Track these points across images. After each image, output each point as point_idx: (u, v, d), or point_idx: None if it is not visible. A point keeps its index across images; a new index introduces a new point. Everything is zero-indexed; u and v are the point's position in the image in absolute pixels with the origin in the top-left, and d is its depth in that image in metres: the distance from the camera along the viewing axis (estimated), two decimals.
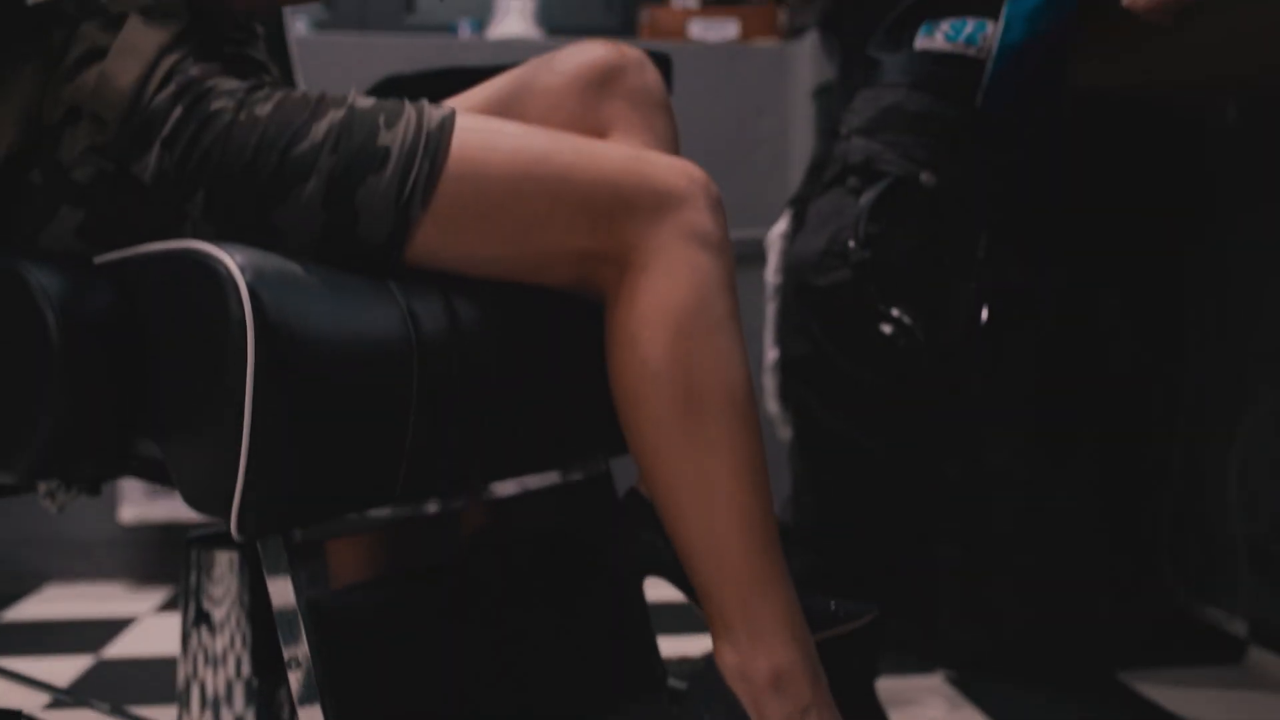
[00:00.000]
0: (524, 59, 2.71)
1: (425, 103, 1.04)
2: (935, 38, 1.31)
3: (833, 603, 1.06)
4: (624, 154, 1.06)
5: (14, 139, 0.97)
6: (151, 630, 2.14)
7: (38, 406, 0.89)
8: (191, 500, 0.90)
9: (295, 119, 0.97)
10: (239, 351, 0.85)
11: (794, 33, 2.67)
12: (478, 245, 1.01)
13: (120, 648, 2.03)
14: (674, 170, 1.05)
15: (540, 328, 1.08)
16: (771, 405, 1.79)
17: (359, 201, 0.97)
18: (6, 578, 2.47)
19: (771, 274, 1.76)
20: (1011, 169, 1.35)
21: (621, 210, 1.02)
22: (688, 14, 2.77)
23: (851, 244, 1.26)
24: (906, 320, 1.24)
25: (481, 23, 2.79)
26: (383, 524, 1.08)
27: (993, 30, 1.30)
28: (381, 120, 0.99)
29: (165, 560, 2.52)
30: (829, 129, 1.59)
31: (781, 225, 1.73)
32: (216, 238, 0.95)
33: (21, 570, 2.49)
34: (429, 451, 0.97)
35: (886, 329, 1.25)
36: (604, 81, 1.18)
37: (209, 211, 0.96)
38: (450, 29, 2.79)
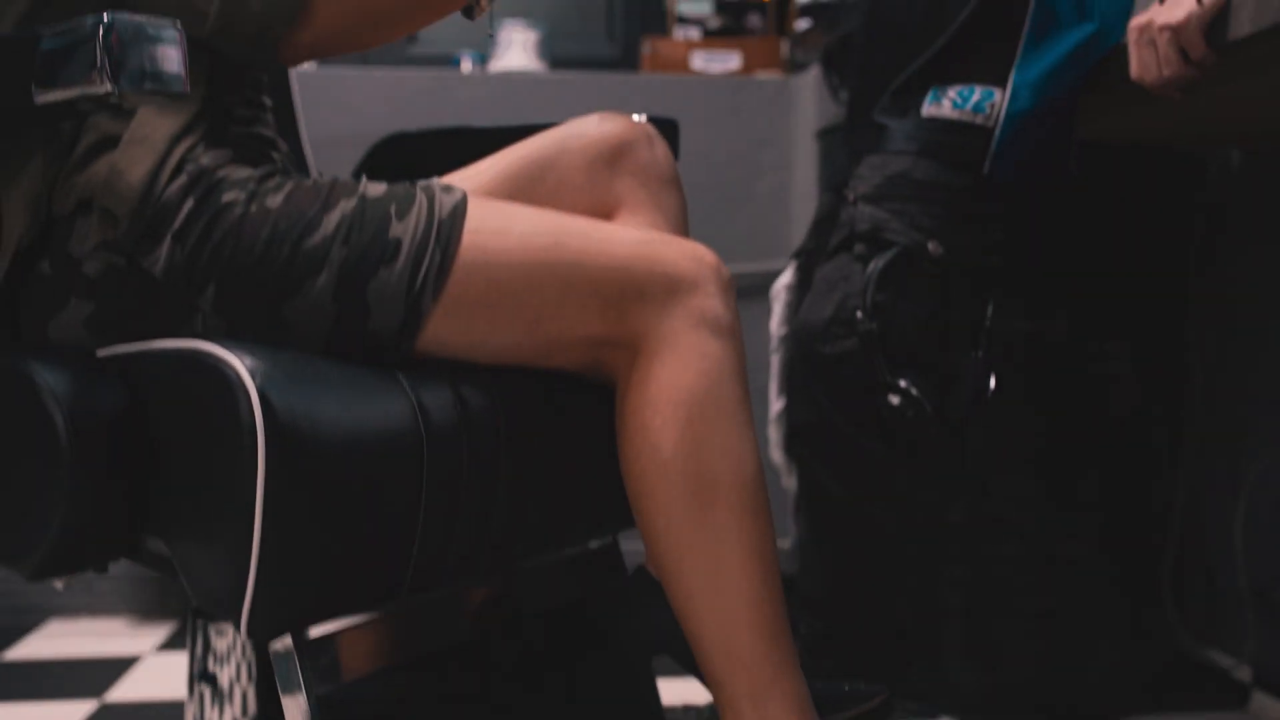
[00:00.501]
0: (526, 93, 2.72)
1: (437, 187, 1.03)
2: (942, 105, 1.31)
3: (845, 685, 1.06)
4: (635, 238, 1.05)
5: (24, 228, 0.97)
6: (154, 671, 2.14)
7: (47, 508, 0.89)
8: (201, 600, 0.90)
9: (307, 210, 0.97)
10: (250, 458, 0.85)
11: (797, 66, 2.67)
12: (488, 333, 1.01)
13: (123, 691, 2.02)
14: (685, 254, 1.05)
15: (549, 410, 1.08)
16: (776, 455, 1.79)
17: (370, 294, 0.96)
18: (9, 612, 2.47)
19: (776, 326, 1.76)
20: (1019, 234, 1.35)
21: (633, 297, 1.02)
22: (690, 46, 2.77)
23: (859, 315, 1.26)
24: (914, 392, 1.24)
25: (484, 55, 2.78)
26: (391, 610, 1.07)
27: (1000, 98, 1.29)
28: (393, 210, 0.99)
29: (167, 595, 2.51)
30: (833, 182, 1.58)
31: (786, 278, 1.73)
32: (227, 332, 0.95)
33: (24, 605, 2.49)
34: (439, 544, 0.97)
35: (894, 400, 1.25)
36: (613, 159, 1.18)
37: (220, 305, 0.95)
38: (453, 62, 2.78)
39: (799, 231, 2.77)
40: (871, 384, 1.27)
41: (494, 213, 1.03)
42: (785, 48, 2.80)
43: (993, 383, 1.31)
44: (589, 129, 1.20)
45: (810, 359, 1.32)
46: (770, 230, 2.76)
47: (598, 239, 1.03)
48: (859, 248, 1.31)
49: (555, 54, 2.83)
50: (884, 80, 1.42)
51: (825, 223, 1.63)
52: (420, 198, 1.01)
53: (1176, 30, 1.15)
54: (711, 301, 1.04)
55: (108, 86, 0.83)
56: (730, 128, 2.71)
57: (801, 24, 2.70)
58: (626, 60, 2.96)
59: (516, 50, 2.71)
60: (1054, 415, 1.85)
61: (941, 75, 1.32)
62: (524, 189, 1.18)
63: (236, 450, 0.85)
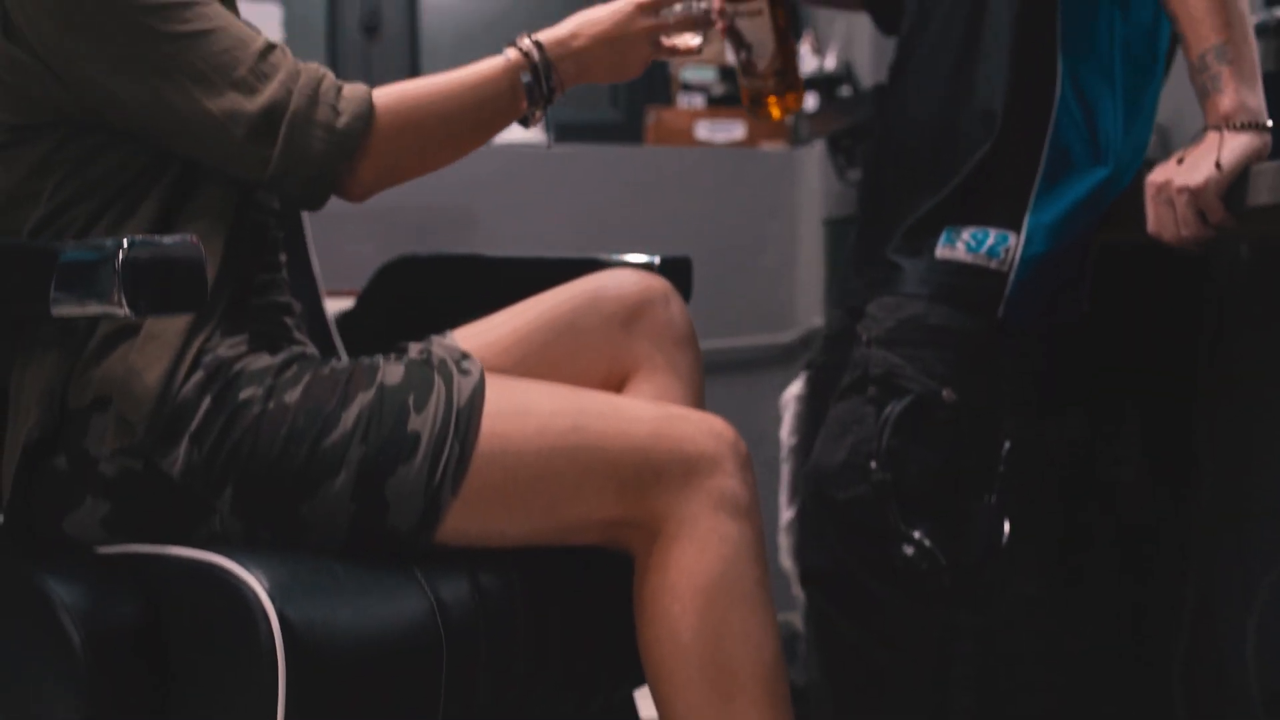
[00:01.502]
0: (531, 167, 2.71)
1: (454, 366, 1.03)
2: (957, 247, 1.30)
3: None
4: (653, 415, 1.05)
5: (36, 421, 0.96)
6: None
7: None
8: None
9: (324, 405, 0.97)
10: (270, 679, 0.85)
11: (801, 140, 2.66)
12: (506, 522, 1.01)
13: None
14: (703, 431, 1.04)
15: (566, 586, 1.08)
16: (785, 562, 1.78)
17: (389, 492, 0.96)
18: None
19: (786, 435, 1.75)
20: (1033, 373, 1.34)
21: (651, 479, 1.01)
22: (694, 115, 2.77)
23: (873, 464, 1.26)
24: (928, 544, 1.24)
25: None
26: None
27: (1014, 242, 1.29)
28: (411, 401, 0.98)
29: None
30: (843, 299, 1.58)
31: (796, 388, 1.73)
32: (244, 532, 0.95)
33: None
34: None
35: (908, 551, 1.25)
36: (630, 320, 1.18)
37: (237, 507, 0.95)
38: None
39: (804, 304, 2.76)
40: (885, 531, 1.26)
41: (512, 394, 1.03)
42: (789, 116, 2.80)
43: (1006, 528, 1.31)
44: (606, 289, 1.19)
45: (823, 502, 1.31)
46: (775, 302, 2.75)
47: (616, 419, 1.03)
48: (872, 390, 1.30)
49: (559, 119, 2.82)
50: (893, 203, 1.41)
51: (836, 341, 1.62)
52: (438, 385, 1.00)
53: (1195, 193, 1.15)
54: (730, 481, 1.03)
55: (125, 310, 0.83)
56: (735, 199, 2.71)
57: (808, 102, 2.70)
58: (630, 125, 2.96)
59: None
60: (1064, 516, 1.85)
61: (954, 214, 1.31)
62: (540, 352, 1.18)
63: (256, 671, 0.85)
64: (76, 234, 1.02)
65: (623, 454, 1.01)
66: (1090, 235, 1.33)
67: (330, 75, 1.04)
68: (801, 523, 1.52)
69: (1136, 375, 1.91)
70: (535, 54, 1.12)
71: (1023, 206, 1.30)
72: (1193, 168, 1.16)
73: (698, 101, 2.84)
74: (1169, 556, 1.96)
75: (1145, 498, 1.92)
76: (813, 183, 2.70)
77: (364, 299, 1.52)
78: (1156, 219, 1.20)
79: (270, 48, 1.02)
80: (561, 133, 2.81)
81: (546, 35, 1.14)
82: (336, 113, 1.01)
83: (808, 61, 2.70)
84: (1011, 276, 1.29)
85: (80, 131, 1.00)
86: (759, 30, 1.36)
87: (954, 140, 1.34)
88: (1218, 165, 1.14)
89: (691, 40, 1.22)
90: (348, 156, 1.01)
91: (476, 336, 1.21)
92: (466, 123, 1.09)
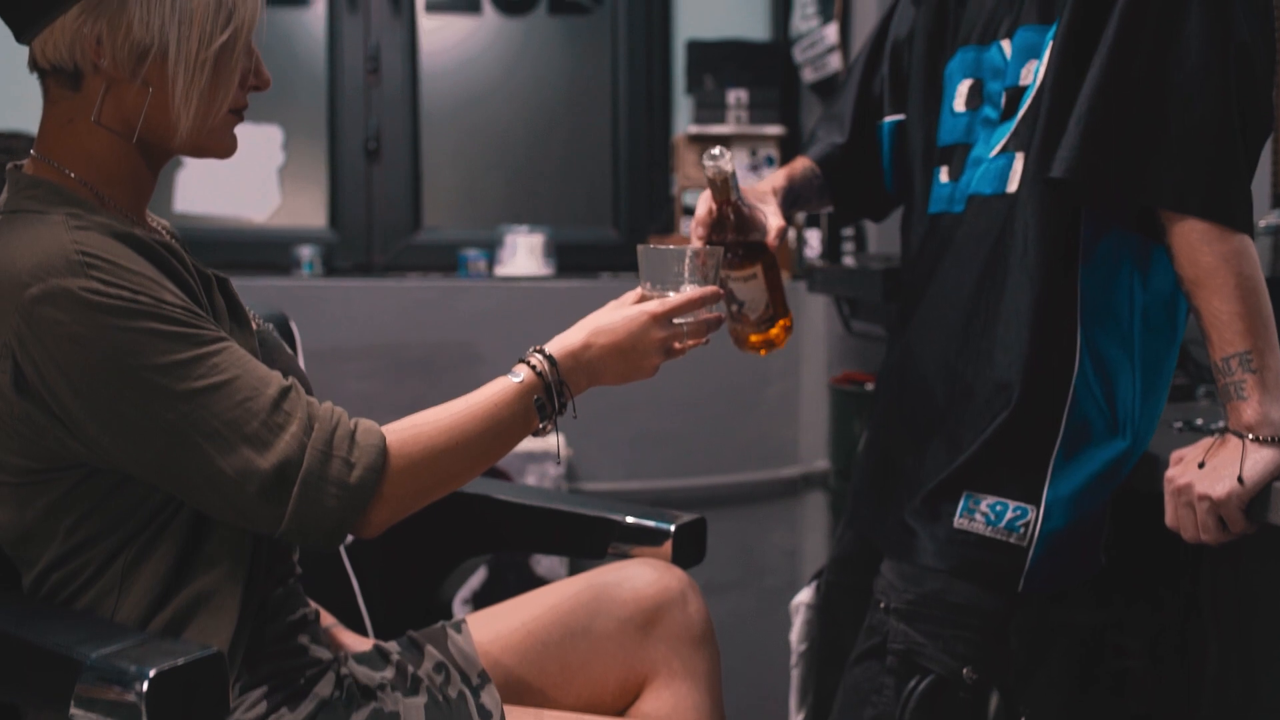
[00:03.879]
0: (533, 300, 2.70)
1: (473, 710, 1.02)
2: (975, 519, 1.29)
3: None
4: None
5: None
6: None
7: None
8: None
9: None
10: None
11: (807, 274, 2.65)
12: None
13: None
14: None
15: None
16: None
17: None
18: None
19: (796, 641, 1.74)
20: (1051, 640, 1.34)
21: None
22: None
23: None
24: None
25: (491, 254, 2.76)
26: None
27: (1033, 516, 1.28)
28: None
29: None
30: (854, 519, 1.57)
31: (805, 596, 1.71)
32: None
33: None
34: None
35: None
36: (647, 624, 1.17)
37: None
38: (461, 267, 2.76)
39: (807, 437, 2.75)
40: None
41: None
42: (791, 235, 2.79)
43: None
44: (621, 588, 1.18)
45: None
46: (779, 436, 2.74)
47: None
48: (891, 661, 1.29)
49: (560, 240, 2.81)
50: (905, 455, 1.41)
51: (846, 564, 1.62)
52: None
53: (1216, 504, 1.14)
54: None
55: None
56: None
57: (811, 255, 2.70)
58: (631, 247, 2.94)
59: (523, 255, 2.70)
60: (1073, 702, 1.84)
61: (972, 480, 1.30)
62: (555, 654, 1.17)
63: None
64: (91, 575, 1.00)
65: None
66: (1108, 504, 1.33)
67: (344, 419, 1.02)
68: None
69: (1145, 570, 1.91)
70: (548, 373, 1.10)
71: (1041, 478, 1.29)
72: (1215, 477, 1.15)
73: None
74: None
75: (1150, 688, 1.91)
76: (817, 321, 2.69)
77: None
78: (1176, 518, 1.19)
79: (284, 393, 1.00)
80: (561, 252, 2.81)
81: (558, 347, 1.13)
82: (350, 466, 0.99)
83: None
84: (1031, 552, 1.28)
85: (97, 472, 0.99)
86: (753, 291, 1.36)
87: (969, 405, 1.33)
88: (1240, 480, 1.13)
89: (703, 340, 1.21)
90: (362, 509, 1.00)
91: (487, 625, 1.20)
92: (479, 451, 1.07)
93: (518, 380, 1.09)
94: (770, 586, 2.80)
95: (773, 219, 1.38)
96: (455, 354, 2.63)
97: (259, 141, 2.85)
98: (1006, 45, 1.36)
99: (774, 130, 2.82)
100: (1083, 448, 1.29)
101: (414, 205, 2.89)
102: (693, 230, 1.38)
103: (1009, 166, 1.33)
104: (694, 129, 2.80)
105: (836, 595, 1.63)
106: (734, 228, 1.36)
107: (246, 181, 2.84)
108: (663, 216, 2.94)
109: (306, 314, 2.56)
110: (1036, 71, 1.31)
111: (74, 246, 0.94)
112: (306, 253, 2.71)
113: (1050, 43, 1.29)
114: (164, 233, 1.15)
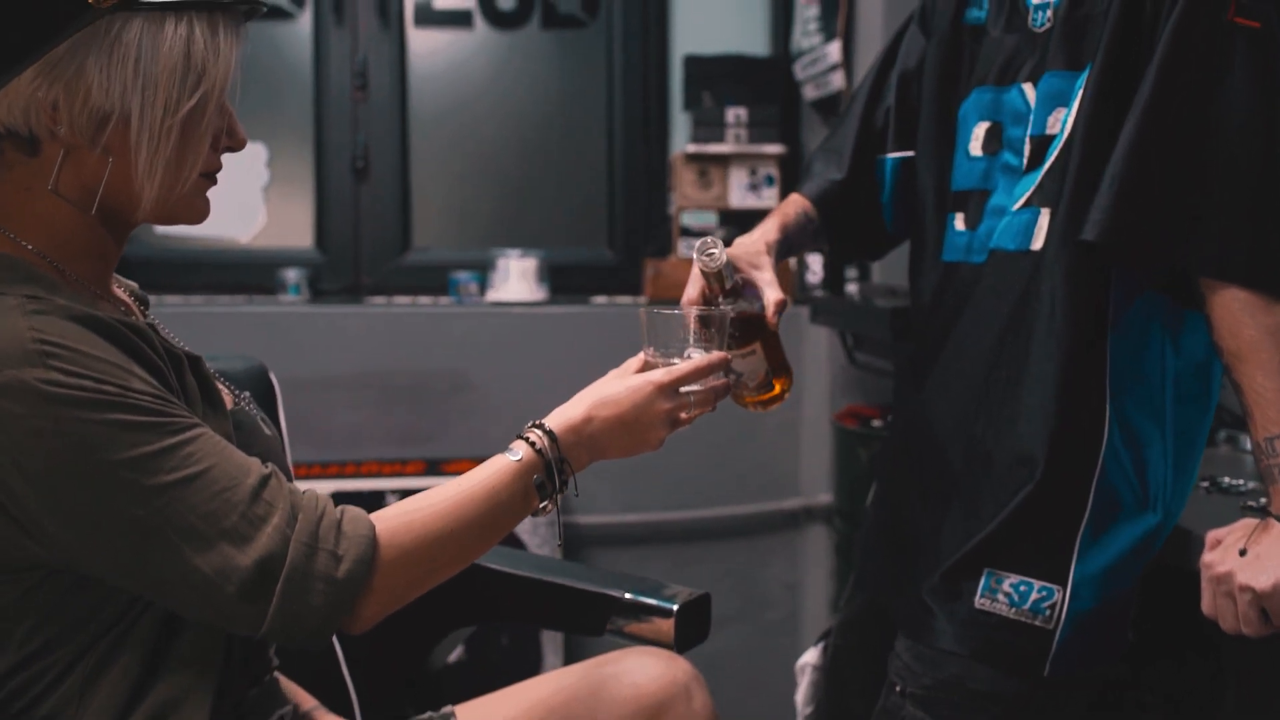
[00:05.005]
0: (525, 325, 2.64)
1: None
2: (998, 599, 1.22)
3: None
4: None
5: None
6: None
7: None
8: None
9: None
10: None
11: (810, 304, 2.58)
12: None
13: None
14: None
15: None
16: None
17: None
18: None
19: (802, 703, 1.67)
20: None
21: None
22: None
23: None
24: None
25: (482, 277, 2.68)
26: None
27: (1060, 597, 1.20)
28: None
29: None
30: (862, 581, 1.50)
31: (811, 657, 1.64)
32: None
33: None
34: None
35: None
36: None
37: None
38: (451, 290, 2.68)
39: (808, 466, 2.68)
40: None
41: None
42: (792, 261, 2.71)
43: None
44: (622, 683, 1.11)
45: None
46: (779, 467, 2.67)
47: None
48: None
49: (554, 260, 2.73)
50: (919, 525, 1.33)
51: (852, 627, 1.55)
52: None
53: (1261, 595, 1.07)
54: None
55: None
56: None
57: (812, 280, 2.63)
58: (628, 283, 2.87)
59: (515, 279, 2.62)
60: None
61: (993, 557, 1.23)
62: None
63: None
64: (50, 684, 0.93)
65: None
66: (1138, 580, 1.25)
67: (330, 507, 0.94)
68: None
69: (1172, 637, 1.84)
70: (548, 449, 1.03)
71: (1068, 557, 1.21)
72: (1259, 567, 1.07)
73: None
74: None
75: None
76: (819, 349, 2.62)
77: None
78: (1214, 607, 1.12)
79: (264, 481, 0.92)
80: (555, 272, 2.72)
81: (558, 421, 1.05)
82: (337, 559, 0.91)
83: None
84: (1058, 634, 1.21)
85: (54, 574, 0.91)
86: (752, 364, 1.29)
87: (989, 473, 1.25)
88: None
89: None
90: (350, 605, 0.92)
91: (477, 718, 1.12)
92: (475, 537, 0.99)
93: (516, 459, 1.01)
94: (771, 620, 2.72)
95: (770, 292, 1.28)
96: (446, 382, 2.55)
97: (243, 159, 2.75)
98: (1029, 90, 1.28)
99: (774, 149, 2.74)
100: (1111, 524, 1.22)
101: (403, 225, 2.80)
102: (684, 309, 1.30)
103: (1034, 222, 1.25)
104: (692, 148, 2.72)
105: (844, 659, 1.56)
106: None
107: (230, 200, 2.75)
108: (659, 237, 2.86)
109: (291, 341, 2.49)
110: (1065, 121, 1.23)
111: (31, 334, 0.86)
112: (292, 275, 2.62)
113: (1080, 91, 1.21)
114: (131, 303, 1.07)
